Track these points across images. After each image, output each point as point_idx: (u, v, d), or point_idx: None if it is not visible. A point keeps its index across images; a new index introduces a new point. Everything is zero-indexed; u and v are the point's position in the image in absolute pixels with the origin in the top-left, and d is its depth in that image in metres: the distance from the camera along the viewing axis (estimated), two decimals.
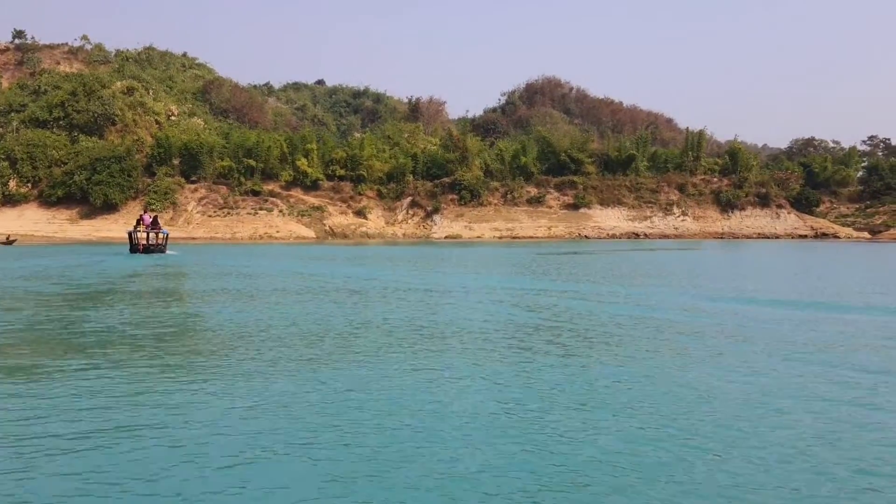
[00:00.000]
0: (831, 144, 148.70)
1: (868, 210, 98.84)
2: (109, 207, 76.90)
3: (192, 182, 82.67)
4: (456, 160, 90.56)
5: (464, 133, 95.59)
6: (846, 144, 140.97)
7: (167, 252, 44.23)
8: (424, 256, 42.97)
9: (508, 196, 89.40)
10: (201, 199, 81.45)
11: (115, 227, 73.68)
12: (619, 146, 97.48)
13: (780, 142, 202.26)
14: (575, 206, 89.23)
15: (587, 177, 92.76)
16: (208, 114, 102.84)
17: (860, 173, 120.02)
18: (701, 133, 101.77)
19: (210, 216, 79.63)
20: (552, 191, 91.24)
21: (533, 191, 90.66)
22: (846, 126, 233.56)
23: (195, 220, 78.41)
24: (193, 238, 72.75)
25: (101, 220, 75.92)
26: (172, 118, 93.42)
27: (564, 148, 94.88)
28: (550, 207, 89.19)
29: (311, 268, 32.65)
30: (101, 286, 23.40)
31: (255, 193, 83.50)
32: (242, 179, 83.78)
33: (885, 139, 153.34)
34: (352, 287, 22.65)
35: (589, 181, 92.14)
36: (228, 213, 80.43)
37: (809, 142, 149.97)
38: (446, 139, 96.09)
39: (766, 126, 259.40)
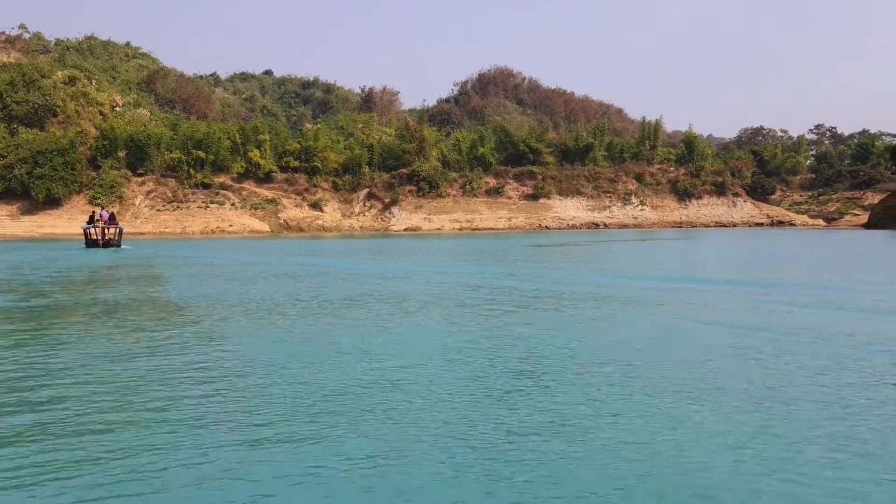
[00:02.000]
0: (779, 133, 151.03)
1: (821, 197, 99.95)
2: (52, 202, 73.38)
3: (140, 175, 79.57)
4: (413, 151, 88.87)
5: (421, 123, 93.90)
6: (794, 133, 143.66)
7: (123, 247, 42.81)
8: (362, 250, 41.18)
9: (467, 187, 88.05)
10: (149, 192, 78.45)
11: (59, 222, 70.45)
12: (577, 136, 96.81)
13: (725, 132, 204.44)
14: (534, 197, 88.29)
15: (546, 167, 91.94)
16: (154, 105, 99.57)
17: (809, 161, 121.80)
18: (657, 122, 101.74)
19: (159, 210, 76.71)
20: (511, 181, 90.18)
21: (492, 181, 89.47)
22: (792, 116, 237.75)
23: (143, 215, 75.43)
24: (142, 233, 69.83)
25: (44, 215, 72.39)
26: (117, 109, 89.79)
27: (523, 138, 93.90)
28: (510, 198, 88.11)
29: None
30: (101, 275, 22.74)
31: (206, 186, 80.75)
32: (192, 172, 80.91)
33: (832, 128, 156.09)
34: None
35: (548, 171, 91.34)
36: (178, 207, 77.59)
37: (758, 131, 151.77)
38: (402, 129, 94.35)
39: (713, 117, 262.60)
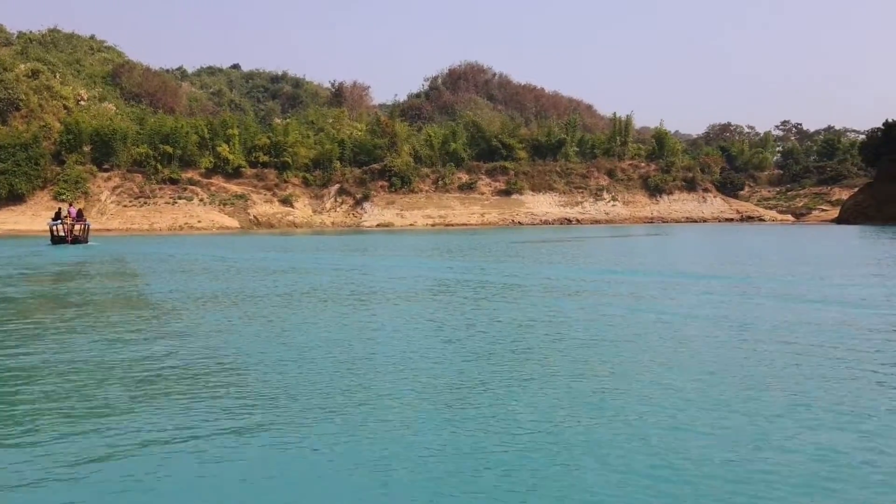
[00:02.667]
0: (746, 129, 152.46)
1: (789, 193, 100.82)
2: (15, 198, 71.51)
3: (105, 170, 77.89)
4: (385, 146, 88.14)
5: (392, 118, 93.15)
6: (761, 130, 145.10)
7: (90, 243, 42.06)
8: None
9: (440, 182, 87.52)
10: (115, 188, 76.88)
11: (22, 219, 68.76)
12: (549, 131, 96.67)
13: (692, 129, 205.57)
14: (507, 193, 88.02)
15: (518, 162, 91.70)
16: (119, 99, 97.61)
17: (776, 157, 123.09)
18: (628, 118, 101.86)
19: (125, 206, 75.22)
20: (484, 177, 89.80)
21: (464, 177, 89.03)
22: (758, 112, 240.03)
23: (110, 211, 73.90)
24: (108, 230, 68.30)
25: (7, 211, 70.50)
26: (82, 103, 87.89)
27: (495, 133, 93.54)
28: (482, 194, 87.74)
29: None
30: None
31: (174, 182, 79.34)
32: (159, 167, 79.43)
33: (798, 124, 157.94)
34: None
35: (520, 167, 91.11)
36: (145, 203, 76.16)
37: (726, 127, 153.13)
38: (374, 124, 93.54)
39: (680, 113, 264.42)
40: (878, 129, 67.62)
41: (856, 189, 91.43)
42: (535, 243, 40.97)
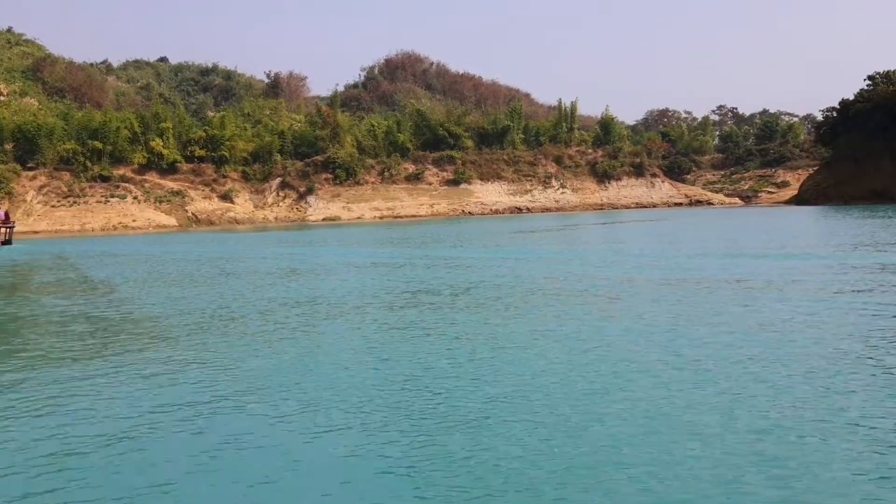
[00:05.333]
0: (684, 114, 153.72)
1: (734, 176, 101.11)
2: None
3: (30, 169, 73.09)
4: (327, 137, 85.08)
5: (334, 108, 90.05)
6: (698, 115, 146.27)
7: (13, 244, 39.83)
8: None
9: (386, 174, 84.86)
10: (42, 187, 72.22)
11: None
12: (495, 119, 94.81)
13: (628, 115, 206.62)
14: (455, 182, 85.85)
15: (465, 151, 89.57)
16: (42, 94, 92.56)
17: (715, 141, 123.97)
18: (574, 105, 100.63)
19: (53, 206, 70.69)
20: (431, 167, 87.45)
21: (411, 167, 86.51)
22: (693, 97, 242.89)
23: (36, 212, 69.27)
24: (36, 232, 63.99)
25: None
26: (1, 99, 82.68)
27: (440, 122, 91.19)
28: (430, 184, 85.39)
29: None
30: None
31: (105, 179, 75.03)
32: (89, 164, 75.02)
33: (733, 108, 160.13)
34: None
35: (467, 156, 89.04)
36: (75, 203, 71.73)
37: (664, 112, 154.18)
38: (314, 115, 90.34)
39: (614, 100, 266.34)
40: (834, 108, 67.51)
41: (799, 170, 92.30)
42: (544, 232, 38.92)
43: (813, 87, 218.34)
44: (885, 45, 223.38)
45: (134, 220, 70.37)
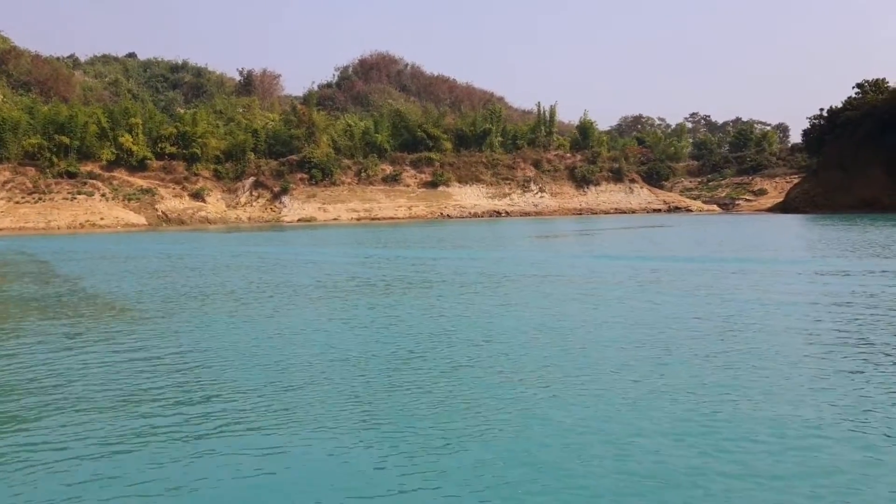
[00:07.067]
0: (657, 121, 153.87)
1: (710, 183, 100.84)
2: None
3: None
4: (302, 136, 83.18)
5: (309, 106, 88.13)
6: (671, 122, 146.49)
7: None
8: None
9: (363, 174, 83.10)
10: (5, 183, 69.71)
11: None
12: (473, 121, 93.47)
13: (602, 121, 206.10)
14: (433, 185, 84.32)
15: (444, 153, 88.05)
16: (6, 87, 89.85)
17: (688, 149, 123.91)
18: (553, 108, 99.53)
19: (18, 203, 68.15)
20: (408, 168, 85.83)
21: (388, 168, 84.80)
22: (668, 104, 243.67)
23: (0, 209, 66.67)
24: None
25: None
26: None
27: (419, 123, 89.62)
28: (408, 186, 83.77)
29: None
30: None
31: (72, 175, 72.59)
32: (55, 160, 72.59)
33: (706, 116, 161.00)
34: None
35: (446, 158, 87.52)
36: (40, 199, 69.19)
37: (638, 119, 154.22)
38: (290, 114, 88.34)
39: (586, 105, 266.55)
40: (821, 116, 67.09)
41: (777, 178, 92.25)
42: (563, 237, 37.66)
43: (784, 97, 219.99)
44: (855, 58, 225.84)
45: (102, 219, 68.01)
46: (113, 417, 6.51)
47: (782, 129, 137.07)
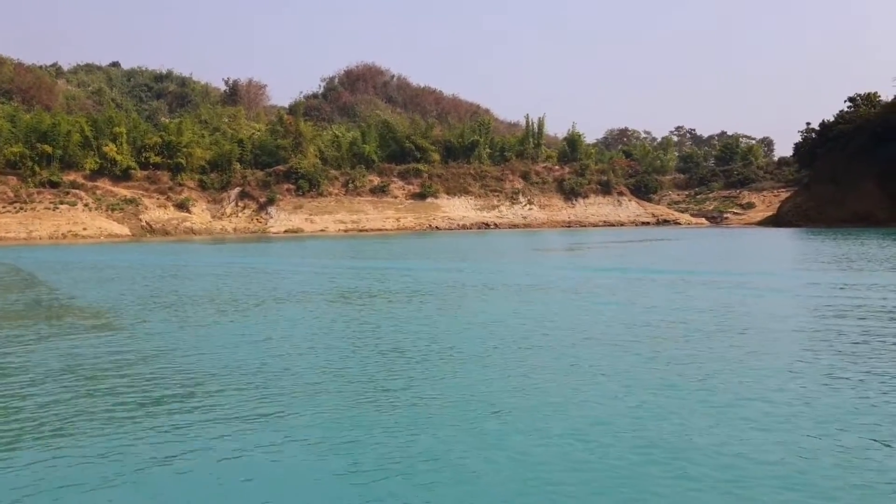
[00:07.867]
0: (643, 134, 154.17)
1: (698, 196, 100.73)
2: None
3: None
4: (289, 147, 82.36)
5: (296, 116, 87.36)
6: (657, 135, 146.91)
7: None
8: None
9: (350, 185, 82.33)
10: None
11: None
12: (462, 132, 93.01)
13: (588, 134, 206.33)
14: (422, 196, 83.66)
15: (432, 165, 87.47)
16: None
17: (675, 162, 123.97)
18: (541, 120, 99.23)
19: None
20: (396, 179, 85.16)
21: (376, 180, 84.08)
22: (653, 117, 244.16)
23: None
24: None
25: None
26: None
27: (407, 134, 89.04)
28: (396, 197, 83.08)
29: None
30: None
31: (54, 185, 71.39)
32: (37, 168, 71.37)
33: (691, 129, 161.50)
34: None
35: (434, 169, 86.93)
36: (21, 209, 67.93)
37: (624, 132, 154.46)
38: (276, 124, 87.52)
39: (573, 118, 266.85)
40: (813, 129, 67.02)
41: (764, 192, 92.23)
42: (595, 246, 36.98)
43: (768, 111, 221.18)
44: (838, 72, 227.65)
45: (84, 229, 66.80)
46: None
47: (767, 143, 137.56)
